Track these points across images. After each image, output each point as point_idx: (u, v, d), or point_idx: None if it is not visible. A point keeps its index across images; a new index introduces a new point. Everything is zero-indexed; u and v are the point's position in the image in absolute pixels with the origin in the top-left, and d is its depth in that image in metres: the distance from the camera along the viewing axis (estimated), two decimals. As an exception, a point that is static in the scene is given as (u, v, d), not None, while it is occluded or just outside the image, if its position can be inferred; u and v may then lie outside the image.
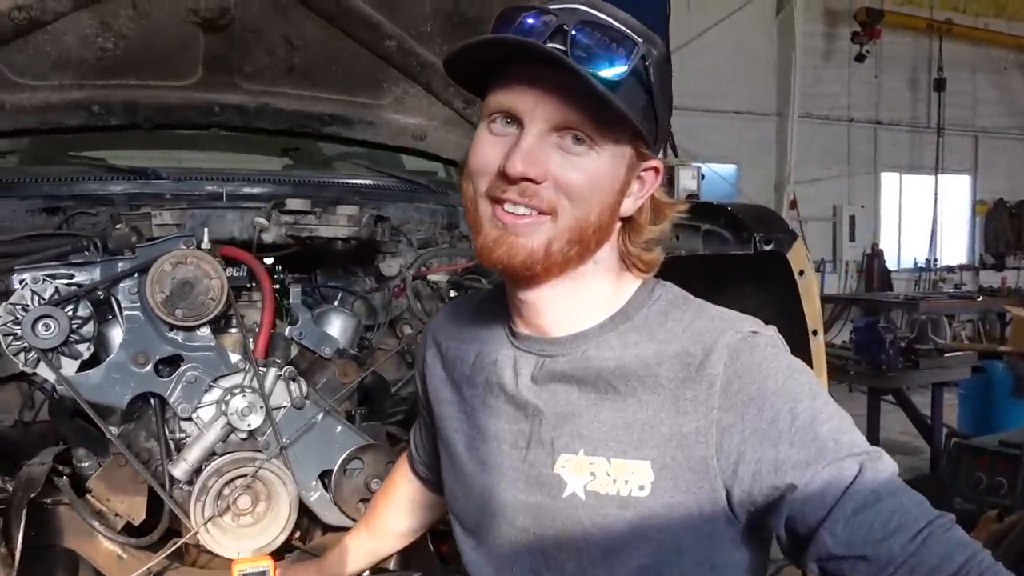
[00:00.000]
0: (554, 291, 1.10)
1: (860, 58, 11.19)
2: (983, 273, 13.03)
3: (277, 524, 1.91)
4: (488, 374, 1.18)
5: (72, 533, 1.84)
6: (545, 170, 1.01)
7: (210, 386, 1.91)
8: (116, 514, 1.89)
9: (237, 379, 1.93)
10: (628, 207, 1.09)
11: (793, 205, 11.42)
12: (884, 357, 5.08)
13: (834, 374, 5.38)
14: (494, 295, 1.24)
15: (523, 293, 1.11)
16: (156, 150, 3.10)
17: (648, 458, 1.02)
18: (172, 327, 1.88)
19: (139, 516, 1.90)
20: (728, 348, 1.01)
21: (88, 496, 1.89)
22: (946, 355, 5.52)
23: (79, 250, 1.94)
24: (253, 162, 3.31)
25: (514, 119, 1.03)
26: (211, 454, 1.90)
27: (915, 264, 12.84)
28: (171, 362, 1.91)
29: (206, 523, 1.85)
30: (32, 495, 1.69)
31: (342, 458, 1.92)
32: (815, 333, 1.87)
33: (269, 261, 2.22)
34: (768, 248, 1.83)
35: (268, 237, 2.15)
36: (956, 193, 13.36)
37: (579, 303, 1.11)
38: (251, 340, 1.96)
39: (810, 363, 1.86)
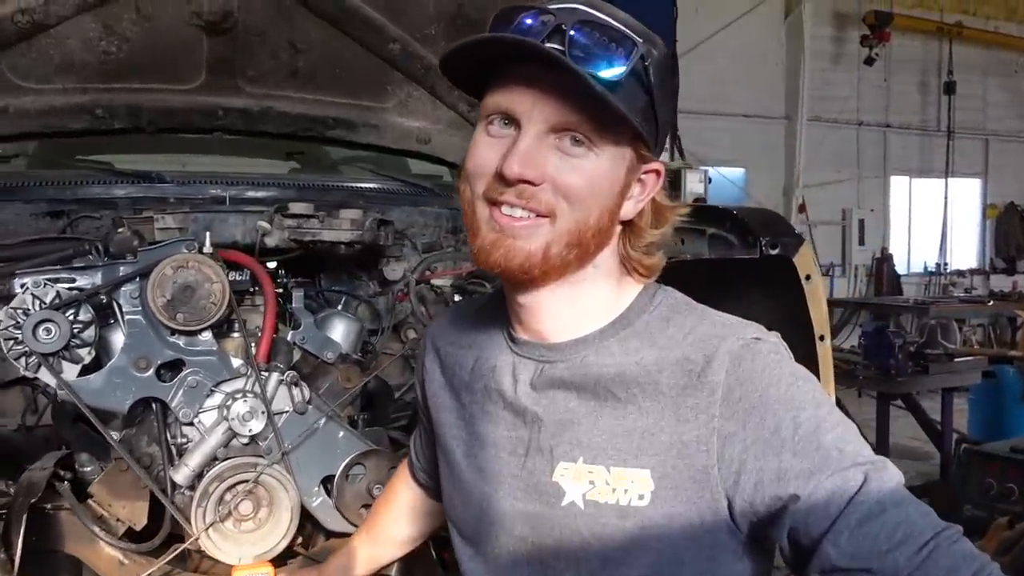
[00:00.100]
0: (553, 296, 1.08)
1: (869, 61, 11.16)
2: (994, 277, 12.96)
3: (279, 530, 1.90)
4: (487, 380, 1.16)
5: (73, 538, 1.84)
6: (543, 172, 0.99)
7: (212, 391, 1.90)
8: (117, 519, 1.88)
9: (239, 384, 1.91)
10: (628, 210, 1.07)
11: (802, 209, 11.38)
12: (893, 362, 5.04)
13: (843, 379, 5.35)
14: (494, 300, 1.22)
15: (522, 298, 1.10)
16: (163, 154, 3.11)
17: (648, 467, 1.00)
18: (173, 331, 1.87)
19: (140, 521, 1.89)
20: (730, 355, 1.00)
21: (90, 501, 1.88)
22: (956, 360, 5.47)
23: (81, 254, 1.93)
24: (259, 166, 3.32)
25: (512, 120, 1.01)
26: (213, 459, 1.89)
27: (925, 268, 12.79)
28: (173, 367, 1.90)
29: (207, 529, 1.84)
30: (33, 500, 1.68)
31: (344, 463, 1.91)
32: (822, 338, 1.85)
33: (272, 265, 2.21)
34: (774, 252, 1.81)
35: (271, 241, 2.14)
36: (966, 197, 13.31)
37: (579, 308, 1.10)
38: (253, 344, 1.95)
39: (817, 369, 1.84)
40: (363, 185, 2.66)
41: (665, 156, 6.47)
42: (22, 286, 1.81)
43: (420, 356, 1.36)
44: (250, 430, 1.88)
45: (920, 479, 5.87)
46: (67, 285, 1.84)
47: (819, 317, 1.85)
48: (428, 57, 2.45)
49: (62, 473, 1.85)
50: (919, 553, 0.88)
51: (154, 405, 1.90)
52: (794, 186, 11.41)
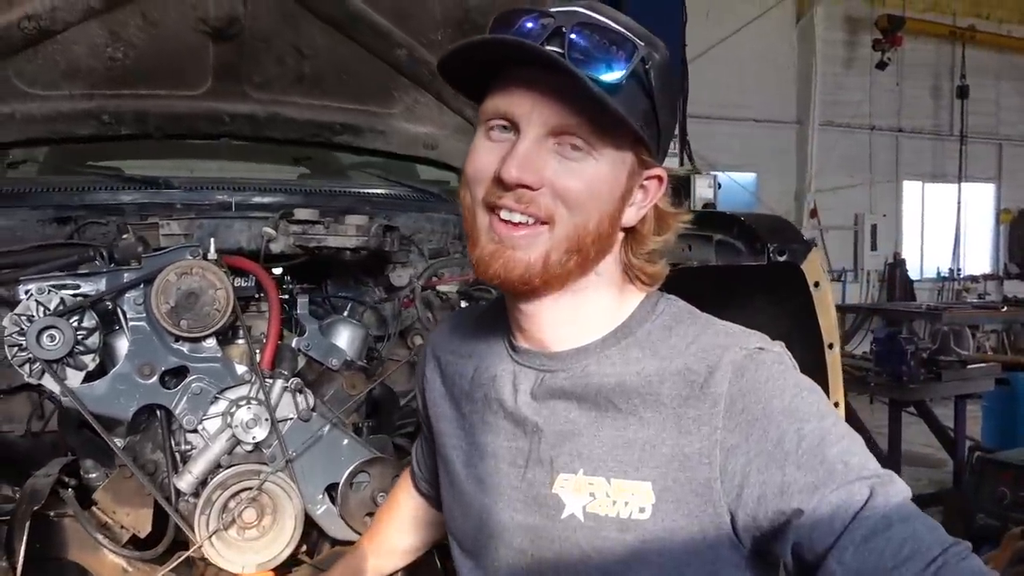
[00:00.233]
0: (555, 304, 1.07)
1: (881, 65, 11.12)
2: (1008, 283, 12.85)
3: (283, 538, 1.89)
4: (487, 390, 1.15)
5: (77, 546, 1.84)
6: (541, 176, 0.98)
7: (216, 398, 1.90)
8: (122, 526, 1.88)
9: (243, 391, 1.91)
10: (631, 217, 1.06)
11: (813, 214, 11.35)
12: (905, 368, 4.99)
13: (855, 385, 5.31)
14: (494, 308, 1.21)
15: (523, 306, 1.08)
16: (172, 159, 3.11)
17: (649, 479, 0.98)
18: (177, 338, 1.87)
19: (144, 529, 1.88)
20: (733, 365, 0.98)
21: (94, 508, 1.88)
22: (969, 367, 5.42)
23: (86, 260, 1.93)
24: (268, 171, 3.31)
25: (511, 124, 1.00)
26: (217, 466, 1.88)
27: (938, 273, 12.73)
28: (177, 373, 1.90)
29: (210, 536, 1.83)
30: (36, 507, 1.68)
31: (348, 471, 1.90)
32: (831, 346, 1.82)
33: (278, 271, 2.20)
34: (782, 259, 1.79)
35: (276, 247, 2.13)
36: (980, 201, 13.24)
37: (580, 317, 1.08)
38: (257, 351, 1.94)
39: (826, 377, 1.81)
40: (370, 191, 2.65)
41: (674, 162, 6.44)
42: (26, 292, 1.81)
43: (420, 365, 1.35)
44: (254, 437, 1.87)
45: (933, 487, 5.82)
46: (71, 291, 1.84)
47: (828, 324, 1.83)
48: (434, 62, 2.43)
49: (67, 480, 1.85)
50: (926, 570, 0.85)
51: (158, 412, 1.90)
52: (806, 191, 11.38)
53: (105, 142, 2.47)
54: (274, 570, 1.86)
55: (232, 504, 1.87)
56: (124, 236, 2.00)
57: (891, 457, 5.15)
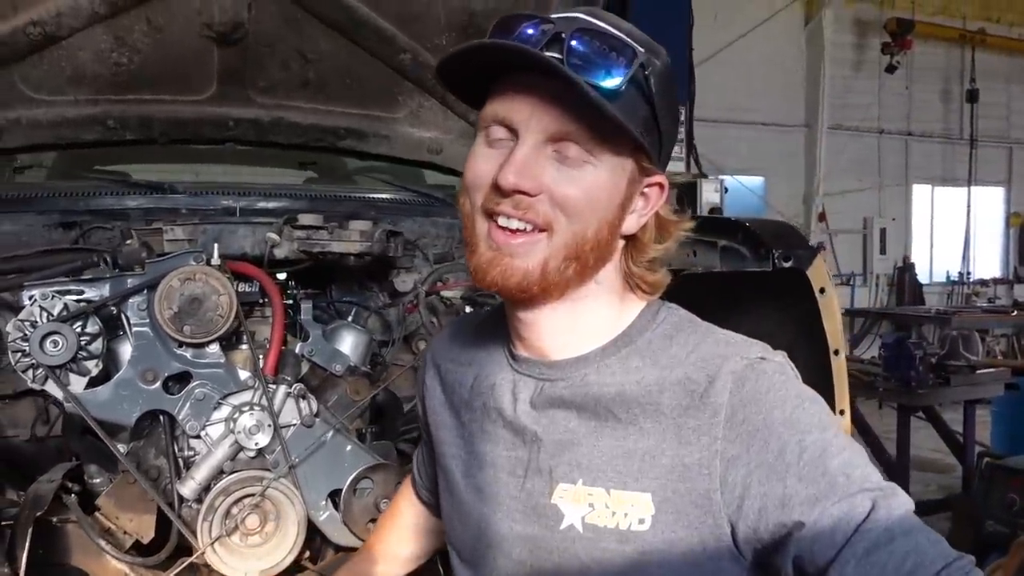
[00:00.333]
0: (554, 313, 1.06)
1: (891, 69, 11.07)
2: (1018, 287, 12.81)
3: (285, 544, 1.89)
4: (486, 398, 1.14)
5: (80, 551, 1.84)
6: (539, 183, 0.97)
7: (219, 403, 1.90)
8: (125, 532, 1.88)
9: (246, 396, 1.91)
10: (631, 225, 1.05)
11: (822, 217, 11.32)
12: (914, 374, 4.96)
13: (864, 390, 5.28)
14: (494, 316, 1.20)
15: (522, 314, 1.07)
16: (179, 163, 3.12)
17: (648, 490, 0.97)
18: (181, 344, 1.87)
19: (148, 534, 1.88)
20: (733, 375, 0.97)
21: (97, 514, 1.87)
22: (978, 372, 5.39)
23: (90, 266, 1.93)
24: (274, 176, 3.32)
25: (510, 130, 0.99)
26: (219, 472, 1.88)
27: (948, 277, 12.66)
28: (180, 379, 1.89)
29: (213, 543, 1.83)
30: (39, 513, 1.67)
31: (351, 477, 1.90)
32: (836, 353, 1.81)
33: (282, 277, 2.20)
34: (787, 265, 1.78)
35: (280, 252, 2.13)
36: (990, 205, 13.17)
37: (580, 325, 1.07)
38: (261, 357, 1.94)
39: (831, 384, 1.80)
40: (375, 196, 2.65)
41: (680, 166, 6.42)
42: (30, 298, 1.81)
43: (420, 372, 1.34)
44: (256, 443, 1.87)
45: (942, 492, 5.80)
46: (75, 297, 1.84)
47: (833, 331, 1.82)
48: (439, 67, 2.44)
49: (70, 485, 1.85)
50: None
51: (161, 418, 1.90)
52: (814, 194, 11.34)
53: (110, 147, 2.48)
54: (277, 576, 1.86)
55: (235, 510, 1.86)
56: (128, 241, 2.00)
57: (899, 462, 5.12)
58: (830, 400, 1.78)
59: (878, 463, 5.11)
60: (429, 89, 2.51)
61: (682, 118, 6.25)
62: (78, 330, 1.79)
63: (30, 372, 1.78)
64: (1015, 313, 8.29)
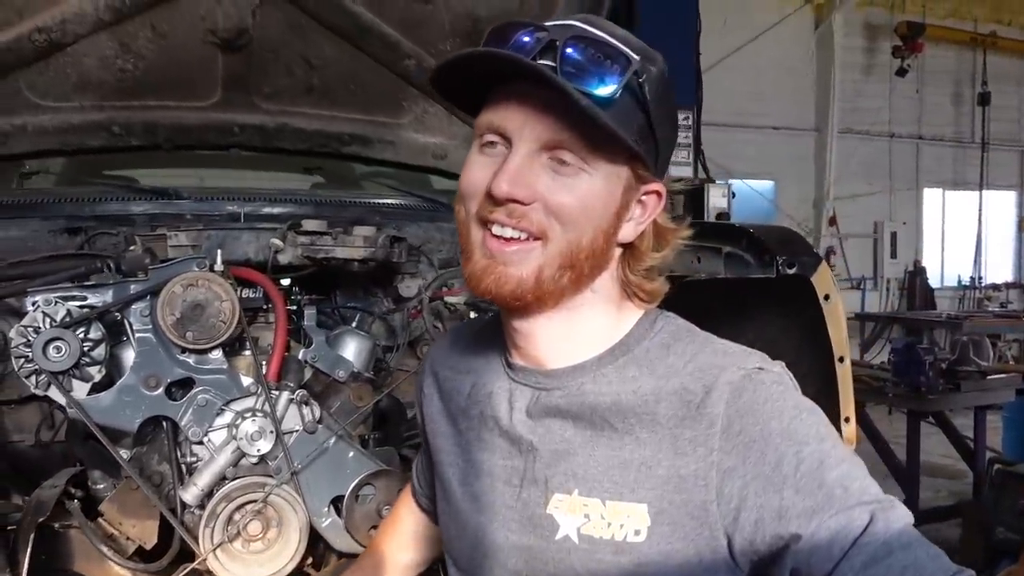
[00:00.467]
0: (550, 321, 1.05)
1: (901, 72, 11.01)
2: (1030, 291, 12.73)
3: (287, 550, 1.89)
4: (483, 407, 1.13)
5: (83, 557, 1.84)
6: (533, 191, 0.97)
7: (222, 409, 1.90)
8: (127, 538, 1.88)
9: (249, 403, 1.91)
10: (628, 233, 1.04)
11: (832, 221, 11.26)
12: (924, 379, 4.92)
13: (873, 396, 5.25)
14: (492, 324, 1.19)
15: (517, 323, 1.07)
16: (186, 169, 3.13)
17: (644, 501, 0.96)
18: (183, 350, 1.87)
19: (150, 540, 1.89)
20: (730, 386, 0.96)
21: (100, 519, 1.88)
22: (989, 377, 5.35)
23: (93, 272, 1.94)
24: (281, 181, 3.32)
25: (504, 138, 0.99)
26: (222, 479, 1.88)
27: (959, 282, 12.58)
28: (183, 385, 1.90)
29: (215, 549, 1.83)
30: (41, 519, 1.68)
31: (354, 484, 1.89)
32: (841, 360, 1.80)
33: (286, 282, 2.20)
34: (791, 272, 1.76)
35: (284, 258, 2.13)
36: (1001, 209, 13.09)
37: (576, 334, 1.06)
38: (264, 363, 1.94)
39: (836, 391, 1.79)
40: (381, 201, 2.65)
41: (688, 171, 6.40)
42: (33, 304, 1.81)
43: (419, 380, 1.34)
44: (258, 450, 1.87)
45: (953, 499, 5.75)
46: (78, 303, 1.85)
47: (838, 338, 1.80)
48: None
49: (73, 491, 1.86)
50: None
51: (164, 423, 1.90)
52: (824, 198, 11.28)
53: (115, 153, 2.48)
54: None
55: (237, 516, 1.86)
56: (131, 247, 2.00)
57: (909, 468, 5.09)
58: (835, 407, 1.77)
59: (888, 469, 5.09)
60: (433, 95, 2.50)
61: (690, 123, 6.23)
62: (81, 336, 1.80)
63: (33, 378, 1.79)
64: (1027, 318, 8.23)
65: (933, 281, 12.08)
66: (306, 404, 1.93)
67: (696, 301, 1.59)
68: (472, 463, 1.14)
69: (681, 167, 6.37)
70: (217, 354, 1.90)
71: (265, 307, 2.08)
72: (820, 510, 0.88)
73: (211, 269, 1.88)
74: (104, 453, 1.87)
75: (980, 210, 12.41)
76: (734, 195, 6.37)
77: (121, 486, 1.89)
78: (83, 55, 2.19)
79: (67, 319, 1.79)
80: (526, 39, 0.97)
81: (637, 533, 0.96)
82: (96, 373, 1.83)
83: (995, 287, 12.53)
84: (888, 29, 11.37)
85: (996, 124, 12.24)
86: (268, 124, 2.49)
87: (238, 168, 3.11)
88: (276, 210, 2.32)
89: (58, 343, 1.76)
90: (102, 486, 1.94)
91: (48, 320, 1.78)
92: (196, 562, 1.83)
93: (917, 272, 11.86)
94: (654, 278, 1.07)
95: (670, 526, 0.95)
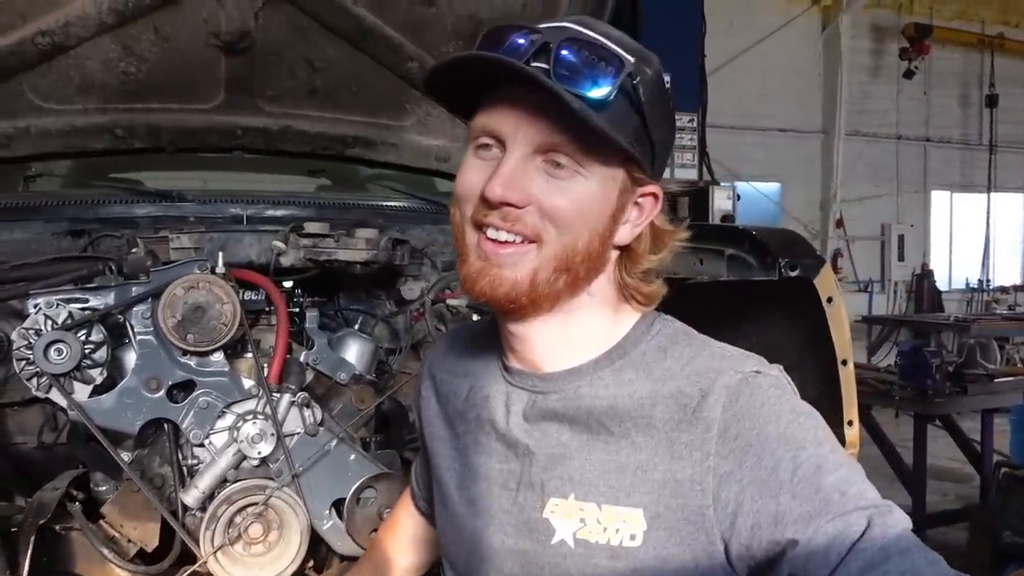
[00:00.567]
0: (546, 325, 1.04)
1: (909, 74, 10.98)
2: (1038, 294, 12.67)
3: (288, 553, 1.89)
4: (480, 410, 1.12)
5: (84, 559, 1.84)
6: (527, 194, 0.96)
7: (223, 412, 1.90)
8: (129, 540, 1.88)
9: (250, 405, 1.91)
10: (625, 235, 1.03)
11: (839, 224, 11.23)
12: (930, 382, 4.89)
13: (879, 399, 5.23)
14: (490, 327, 1.18)
15: (513, 326, 1.06)
16: (192, 171, 3.13)
17: (640, 505, 0.95)
18: (185, 352, 1.87)
19: (152, 543, 1.88)
20: (727, 390, 0.95)
21: (102, 522, 1.88)
22: (996, 380, 5.32)
23: (96, 274, 1.94)
24: (285, 183, 3.33)
25: (498, 141, 0.98)
26: (223, 481, 1.88)
27: (967, 284, 12.53)
28: (184, 387, 1.90)
29: (215, 552, 1.83)
30: (42, 521, 1.68)
31: (355, 487, 1.89)
32: (844, 363, 1.79)
33: (288, 285, 2.21)
34: (793, 274, 1.75)
35: (286, 260, 2.14)
36: (1010, 211, 13.04)
37: (572, 337, 1.05)
38: (265, 365, 1.94)
39: (839, 394, 1.78)
40: (384, 203, 2.65)
41: (693, 174, 6.39)
42: (35, 306, 1.82)
43: (417, 383, 1.33)
44: (259, 452, 1.87)
45: (960, 502, 5.73)
46: (80, 305, 1.85)
47: (841, 341, 1.79)
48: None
49: (75, 493, 1.86)
50: None
51: (166, 426, 1.90)
52: (831, 201, 11.26)
53: (119, 156, 2.49)
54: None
55: (238, 519, 1.87)
56: (133, 250, 2.00)
57: (916, 471, 5.07)
58: (838, 411, 1.76)
59: (895, 472, 5.07)
60: (434, 98, 2.51)
61: (694, 125, 6.23)
62: (82, 338, 1.80)
63: (34, 380, 1.80)
64: (1035, 320, 8.20)
65: (941, 284, 12.04)
66: (307, 407, 1.93)
67: (698, 304, 1.59)
68: (469, 467, 1.13)
69: (686, 169, 6.37)
70: (218, 356, 1.90)
71: (267, 309, 2.09)
72: (817, 515, 0.87)
73: (212, 271, 1.89)
74: (106, 455, 1.87)
75: (988, 212, 12.36)
76: (739, 197, 6.35)
77: (122, 488, 1.89)
78: (86, 58, 2.19)
79: (68, 321, 1.80)
80: (520, 41, 0.96)
81: (633, 538, 0.95)
82: (97, 375, 1.84)
83: (1003, 290, 12.49)
84: (895, 31, 11.34)
85: (1004, 126, 12.20)
86: (271, 126, 2.49)
87: (243, 171, 3.12)
88: (279, 212, 2.32)
89: (59, 345, 1.77)
90: (104, 488, 1.94)
91: (49, 322, 1.79)
92: (197, 564, 1.83)
93: (925, 275, 11.82)
94: (651, 281, 1.06)
95: (666, 531, 0.94)
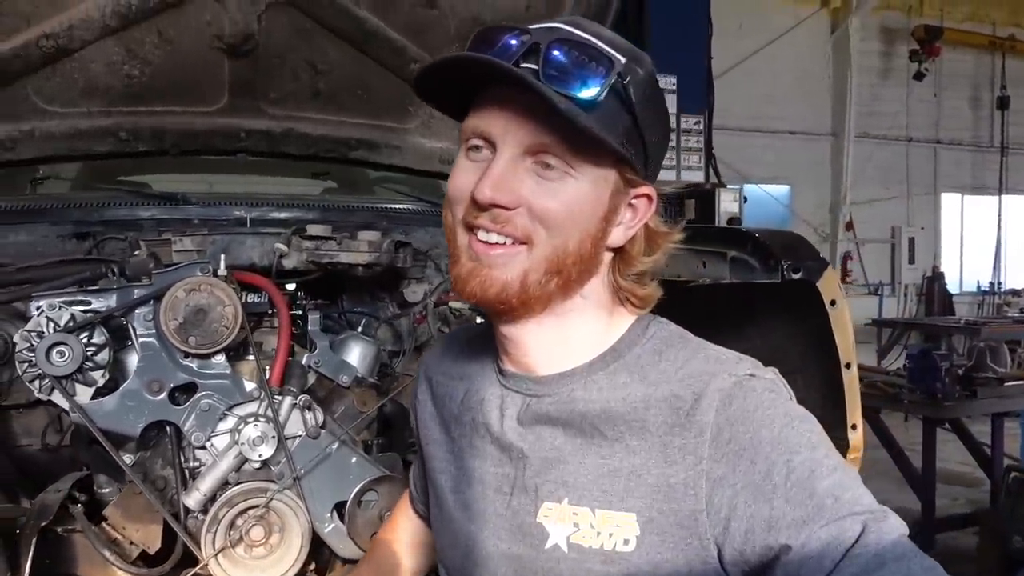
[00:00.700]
0: (540, 327, 1.04)
1: (919, 76, 10.93)
2: (1051, 297, 12.57)
3: (290, 556, 1.89)
4: (475, 413, 1.12)
5: (86, 562, 1.84)
6: (517, 196, 0.96)
7: (225, 414, 1.90)
8: (131, 542, 1.88)
9: (252, 407, 1.91)
10: (618, 237, 1.03)
11: (849, 227, 11.19)
12: (939, 386, 4.87)
13: (888, 402, 5.21)
14: (487, 329, 1.18)
15: (506, 329, 1.06)
16: (197, 174, 3.14)
17: (634, 510, 0.95)
18: (186, 354, 1.87)
19: (154, 545, 1.88)
20: (720, 393, 0.94)
21: (104, 524, 1.88)
22: (1006, 384, 5.28)
23: (98, 276, 1.94)
24: (292, 186, 3.33)
25: (488, 143, 0.98)
26: (224, 484, 1.88)
27: (978, 287, 12.45)
28: (186, 390, 1.90)
29: (217, 554, 1.83)
30: (44, 523, 1.68)
31: (356, 490, 1.89)
32: (848, 366, 1.78)
33: (291, 287, 2.21)
34: (796, 277, 1.74)
35: (289, 263, 2.14)
36: (1021, 214, 12.95)
37: (567, 340, 1.05)
38: (267, 368, 1.94)
39: (843, 398, 1.77)
40: (387, 206, 2.65)
41: (699, 176, 6.37)
42: (37, 309, 1.82)
43: (414, 386, 1.33)
44: (260, 455, 1.87)
45: (970, 506, 5.69)
46: (82, 308, 1.85)
47: (845, 344, 1.78)
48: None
49: (77, 495, 1.86)
50: None
51: (167, 428, 1.90)
52: (841, 203, 11.21)
53: (123, 158, 2.49)
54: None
55: (239, 522, 1.87)
56: (136, 252, 2.01)
57: (925, 475, 5.04)
58: (842, 415, 1.75)
59: (904, 476, 5.04)
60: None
61: (701, 127, 6.21)
62: (84, 340, 1.81)
63: (37, 382, 1.80)
64: (1047, 324, 8.15)
65: (951, 287, 11.99)
66: (309, 409, 1.93)
67: (701, 306, 1.58)
68: (464, 470, 1.13)
69: (692, 171, 6.35)
70: (220, 359, 1.90)
71: (269, 312, 2.09)
72: (810, 520, 0.86)
73: (214, 274, 1.89)
74: (108, 457, 1.87)
75: (999, 215, 12.30)
76: (745, 200, 6.32)
77: (124, 491, 1.90)
78: (90, 61, 2.19)
79: (70, 324, 1.80)
80: (511, 42, 0.96)
81: (626, 542, 0.95)
82: (99, 378, 1.84)
83: (1014, 292, 12.39)
84: (905, 33, 11.29)
85: (1015, 128, 12.14)
86: (274, 129, 2.49)
87: (248, 173, 3.13)
88: (282, 215, 2.32)
89: (61, 347, 1.77)
90: (107, 490, 1.95)
91: (52, 324, 1.79)
92: (198, 567, 1.83)
93: (935, 277, 11.77)
94: (646, 283, 1.06)
95: (659, 535, 0.93)
